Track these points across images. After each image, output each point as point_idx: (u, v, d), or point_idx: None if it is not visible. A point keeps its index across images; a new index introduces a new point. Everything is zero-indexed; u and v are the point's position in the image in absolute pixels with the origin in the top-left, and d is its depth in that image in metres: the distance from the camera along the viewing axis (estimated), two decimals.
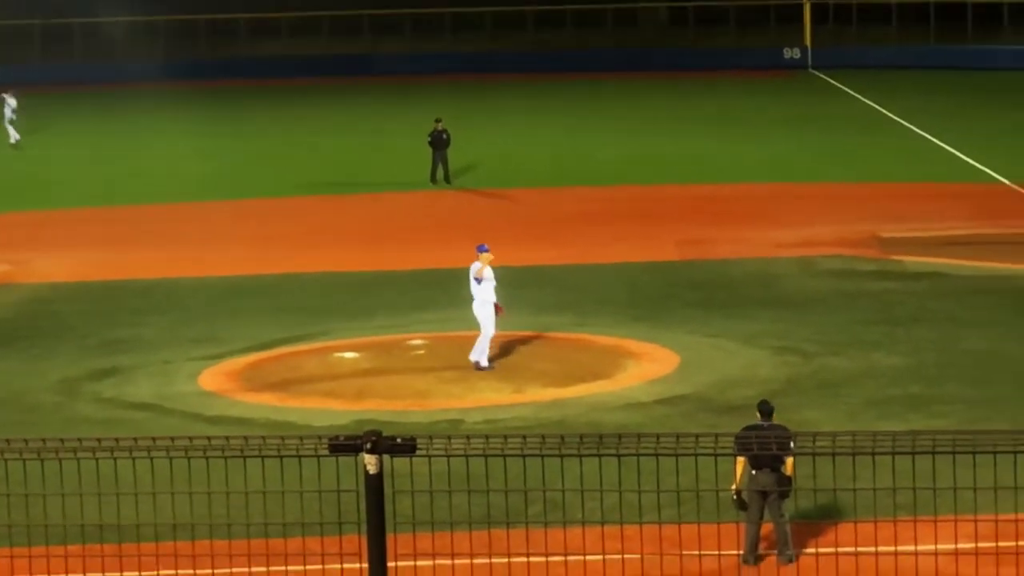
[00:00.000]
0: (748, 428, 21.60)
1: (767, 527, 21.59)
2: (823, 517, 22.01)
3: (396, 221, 50.16)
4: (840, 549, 20.51)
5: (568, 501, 17.39)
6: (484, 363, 32.19)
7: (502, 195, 55.23)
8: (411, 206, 52.65)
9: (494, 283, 32.11)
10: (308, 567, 15.47)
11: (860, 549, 17.97)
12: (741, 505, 21.31)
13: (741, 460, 21.12)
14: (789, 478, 21.23)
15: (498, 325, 32.62)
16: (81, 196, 56.93)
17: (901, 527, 17.11)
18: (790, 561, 21.27)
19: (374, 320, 36.70)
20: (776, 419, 22.09)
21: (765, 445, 20.97)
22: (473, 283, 32.08)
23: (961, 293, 38.30)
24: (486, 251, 32.41)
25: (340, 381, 32.33)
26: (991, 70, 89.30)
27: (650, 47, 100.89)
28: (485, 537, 17.95)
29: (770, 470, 21.13)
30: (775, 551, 21.55)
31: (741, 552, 21.37)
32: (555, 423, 28.08)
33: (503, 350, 33.91)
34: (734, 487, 21.21)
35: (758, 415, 22.04)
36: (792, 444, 20.53)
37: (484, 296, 32.00)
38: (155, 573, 15.70)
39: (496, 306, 32.09)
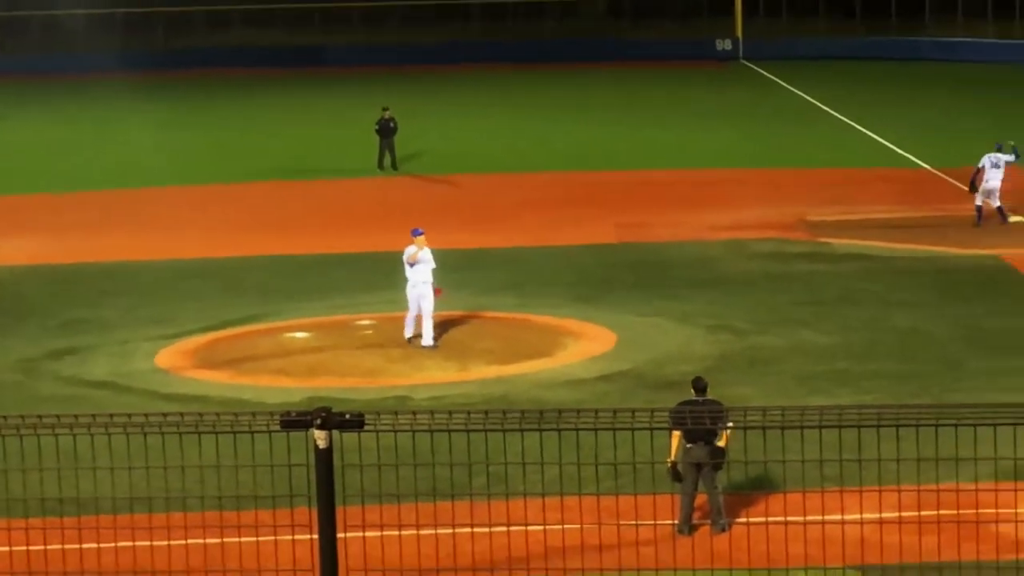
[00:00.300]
0: (683, 403, 21.66)
1: (701, 498, 21.66)
2: (754, 488, 22.11)
3: (344, 206, 50.12)
4: (770, 519, 20.59)
5: (511, 474, 17.41)
6: (430, 343, 32.30)
7: (447, 181, 55.23)
8: (359, 192, 52.67)
9: (432, 265, 32.24)
10: (260, 538, 15.45)
11: (790, 518, 18.04)
12: (676, 477, 21.37)
13: (677, 434, 21.18)
14: (722, 451, 21.30)
15: (439, 306, 32.80)
16: (42, 183, 56.70)
17: (828, 497, 17.18)
18: (723, 530, 21.34)
19: (324, 301, 36.66)
20: (710, 394, 22.17)
21: (699, 420, 21.05)
22: (407, 266, 32.23)
23: (886, 274, 38.48)
24: (420, 235, 32.63)
25: (292, 359, 32.33)
26: (915, 60, 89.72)
27: (589, 38, 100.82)
28: (431, 509, 17.96)
29: (704, 443, 21.19)
30: (709, 521, 21.62)
31: (676, 522, 21.45)
32: (498, 399, 28.12)
33: (448, 330, 33.96)
34: (670, 460, 21.27)
35: (692, 391, 22.11)
36: (726, 419, 20.62)
37: (416, 278, 32.14)
38: (113, 544, 15.64)
39: (435, 289, 32.21)
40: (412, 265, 32.14)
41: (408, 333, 32.58)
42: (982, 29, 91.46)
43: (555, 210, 48.74)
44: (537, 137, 65.62)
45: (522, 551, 19.55)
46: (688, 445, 21.26)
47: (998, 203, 43.59)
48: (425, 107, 71.85)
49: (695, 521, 21.55)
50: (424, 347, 32.17)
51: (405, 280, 32.43)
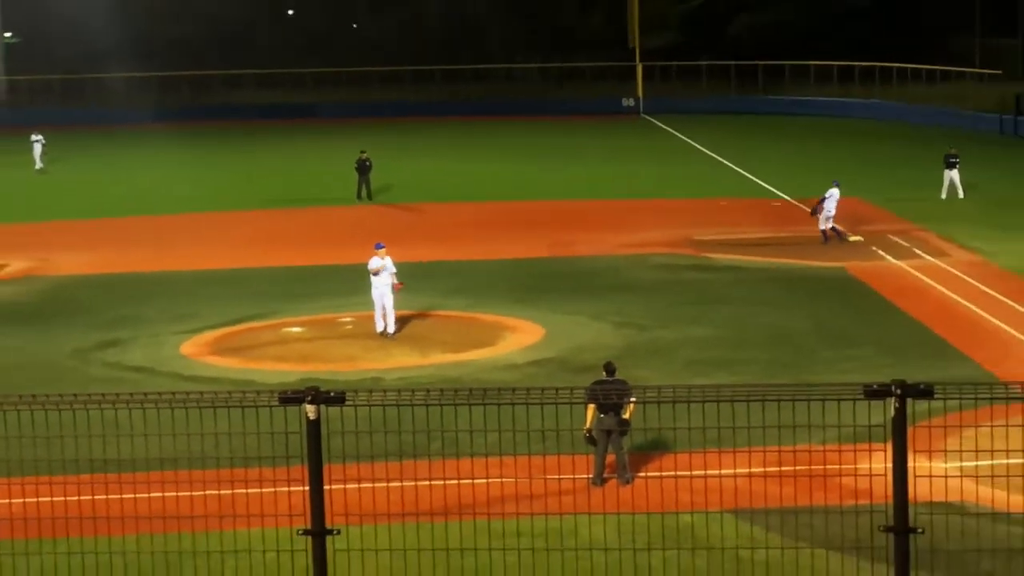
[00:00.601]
0: (596, 382, 21.66)
1: (610, 458, 21.64)
2: (652, 450, 22.08)
3: (331, 228, 49.95)
4: (664, 473, 20.61)
5: (461, 439, 17.31)
6: (391, 328, 32.55)
7: (412, 208, 55.14)
8: (342, 217, 52.48)
9: (393, 271, 32.51)
10: (263, 490, 15.39)
11: (679, 473, 18.03)
12: (591, 441, 21.35)
13: (591, 407, 21.16)
14: (627, 420, 21.28)
15: (405, 304, 32.98)
16: (92, 210, 56.41)
17: (710, 457, 17.19)
18: (627, 483, 21.33)
19: (313, 302, 36.57)
20: (618, 375, 22.14)
21: (608, 395, 21.02)
22: (371, 274, 32.55)
23: (755, 281, 38.58)
24: (382, 248, 33.11)
25: (288, 348, 32.30)
26: (776, 114, 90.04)
27: (527, 97, 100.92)
28: (398, 467, 17.90)
29: (613, 414, 21.18)
30: (616, 475, 21.60)
31: (591, 476, 21.41)
32: (452, 380, 28.06)
33: (412, 324, 33.92)
34: (585, 428, 21.24)
35: (604, 373, 22.07)
36: (630, 395, 20.61)
37: (379, 283, 32.41)
38: (147, 495, 15.54)
39: (396, 284, 32.48)
40: (376, 274, 32.40)
41: (379, 328, 32.64)
42: (828, 90, 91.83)
43: (499, 231, 48.75)
44: (485, 174, 65.61)
45: (470, 499, 19.50)
46: (601, 415, 21.24)
47: (834, 225, 43.92)
48: (395, 150, 71.68)
49: (605, 476, 21.53)
50: (388, 336, 32.35)
51: (371, 285, 32.67)
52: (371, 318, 32.93)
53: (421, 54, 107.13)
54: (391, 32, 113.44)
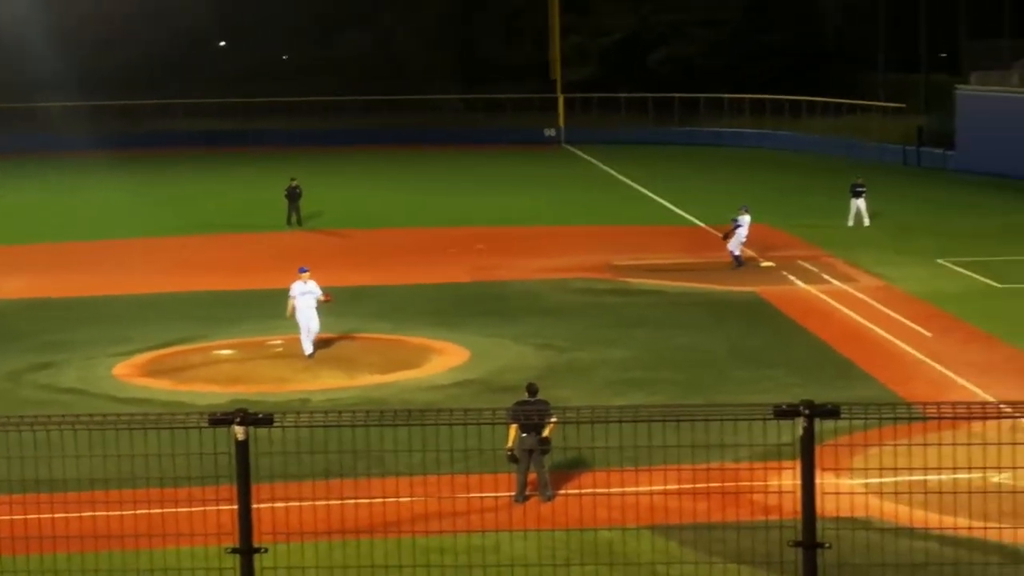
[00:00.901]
0: (519, 403, 21.66)
1: (532, 475, 21.63)
2: (572, 468, 22.11)
3: (260, 253, 49.65)
4: (583, 491, 20.62)
5: (387, 459, 17.27)
6: (310, 349, 32.56)
7: (339, 234, 55.00)
8: (271, 243, 52.21)
9: (317, 293, 32.54)
10: (193, 509, 15.23)
11: (598, 491, 18.09)
12: (512, 459, 21.33)
13: (513, 427, 21.14)
14: (548, 439, 21.29)
15: (328, 327, 32.94)
16: (26, 236, 55.68)
17: (627, 475, 17.22)
18: (549, 500, 21.33)
19: (243, 326, 36.36)
20: (539, 396, 22.15)
21: (530, 415, 21.04)
22: (295, 296, 32.57)
23: (671, 305, 38.75)
24: (306, 271, 33.19)
25: (219, 370, 32.13)
26: (692, 145, 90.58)
27: (452, 127, 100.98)
28: (325, 486, 17.84)
29: (535, 433, 21.17)
30: (537, 493, 21.58)
31: (513, 494, 21.38)
32: (379, 400, 28.01)
33: (339, 347, 33.83)
34: (507, 446, 21.22)
35: (526, 393, 22.07)
36: (550, 415, 20.61)
37: (303, 305, 32.41)
38: (78, 515, 15.39)
39: (324, 297, 32.61)
40: (300, 296, 32.41)
41: (308, 350, 32.53)
42: (741, 122, 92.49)
43: (423, 256, 48.68)
44: (411, 201, 65.47)
45: (395, 517, 19.43)
46: (523, 435, 21.23)
47: (736, 253, 44.20)
48: (324, 178, 71.41)
49: (527, 493, 21.51)
50: (309, 356, 32.39)
51: (296, 308, 32.66)
52: (299, 341, 32.92)
53: (349, 85, 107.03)
54: (320, 64, 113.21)
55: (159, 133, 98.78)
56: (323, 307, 33.06)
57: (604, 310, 38.11)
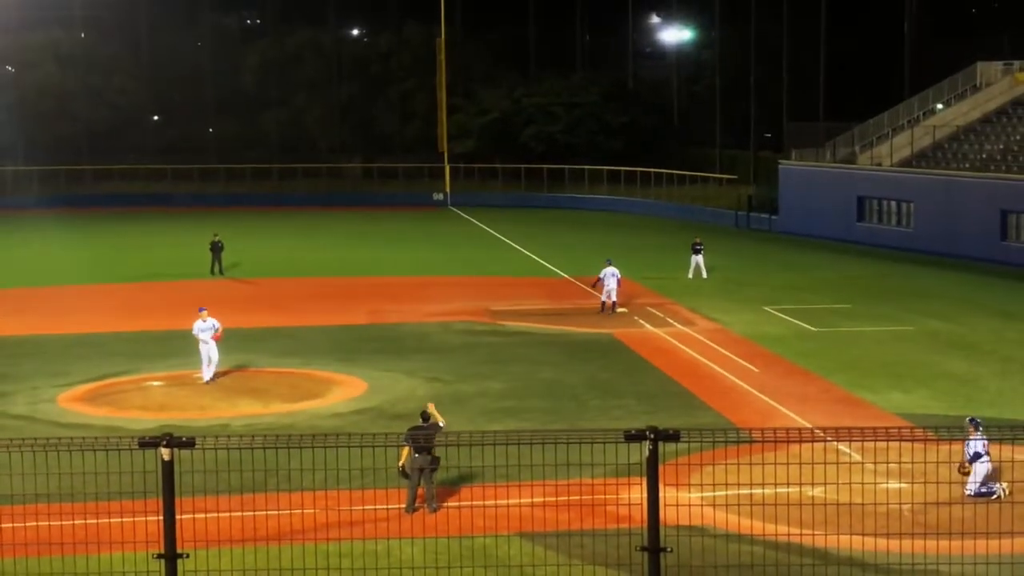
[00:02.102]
0: (413, 428, 21.58)
1: (421, 491, 21.54)
2: (455, 484, 22.04)
3: (186, 299, 48.92)
4: (462, 503, 20.59)
5: (293, 477, 17.10)
6: (208, 377, 32.77)
7: (255, 283, 54.51)
8: (196, 290, 51.50)
9: (215, 328, 32.82)
10: (124, 520, 14.99)
11: (475, 503, 18.06)
12: (404, 475, 21.23)
13: (406, 447, 21.07)
14: (438, 458, 21.23)
15: (245, 362, 32.68)
16: None
17: (500, 489, 17.23)
18: (435, 511, 21.25)
19: (171, 360, 35.85)
20: (430, 422, 22.08)
21: (419, 439, 20.96)
22: (197, 332, 32.87)
23: (539, 344, 38.87)
24: (204, 311, 33.56)
25: (150, 399, 31.58)
26: (558, 208, 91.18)
27: (351, 191, 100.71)
28: (239, 501, 17.62)
29: (426, 453, 21.11)
30: (425, 505, 21.50)
31: (403, 506, 21.28)
32: (288, 426, 27.72)
33: (254, 379, 33.50)
34: (400, 463, 21.13)
35: (420, 419, 21.99)
36: (437, 438, 20.55)
37: (203, 339, 32.65)
38: (23, 524, 15.06)
39: (216, 334, 32.75)
40: (202, 332, 32.70)
41: (206, 377, 32.81)
42: (599, 189, 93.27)
43: (326, 302, 48.39)
44: (317, 255, 65.16)
45: (300, 526, 19.22)
46: (415, 455, 21.16)
47: (614, 299, 44.49)
48: (244, 235, 70.82)
49: (416, 505, 21.42)
50: (207, 383, 32.54)
51: (197, 342, 32.94)
52: (221, 373, 32.61)
53: (267, 155, 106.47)
54: (238, 135, 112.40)
55: (98, 195, 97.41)
56: (236, 343, 32.72)
57: (483, 348, 38.13)
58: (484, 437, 9.81)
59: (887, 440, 10.01)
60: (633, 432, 8.74)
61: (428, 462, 21.20)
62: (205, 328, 32.85)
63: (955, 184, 62.64)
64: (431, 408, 22.41)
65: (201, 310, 33.45)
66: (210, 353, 32.70)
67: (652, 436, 8.65)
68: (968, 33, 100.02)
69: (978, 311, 44.74)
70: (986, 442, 21.90)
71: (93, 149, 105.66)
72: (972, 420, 22.39)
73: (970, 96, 71.30)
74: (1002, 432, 22.83)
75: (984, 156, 65.29)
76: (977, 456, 21.79)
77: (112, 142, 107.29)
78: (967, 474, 21.82)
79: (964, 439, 22.18)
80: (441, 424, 21.94)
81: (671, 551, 9.13)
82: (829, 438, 20.43)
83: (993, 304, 46.52)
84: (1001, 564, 17.74)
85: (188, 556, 9.25)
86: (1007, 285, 51.80)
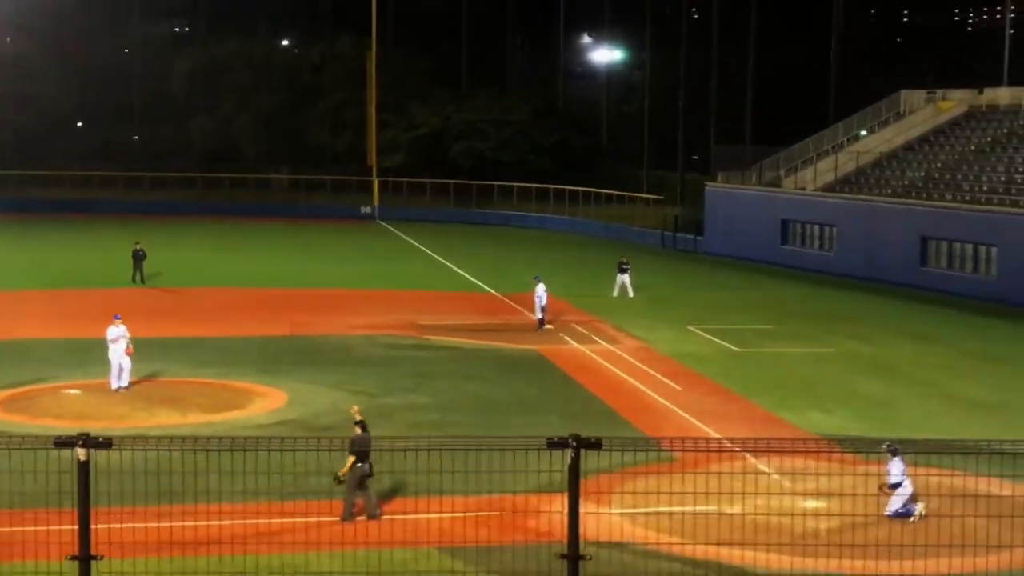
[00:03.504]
0: (356, 437, 21.28)
1: (359, 501, 21.26)
2: (377, 495, 21.86)
3: (107, 306, 48.22)
4: (396, 516, 20.47)
5: (212, 486, 16.87)
6: (125, 384, 32.69)
7: (177, 292, 54.00)
8: (117, 297, 50.84)
9: (127, 337, 32.86)
10: (38, 529, 14.75)
11: (395, 516, 17.96)
12: (339, 482, 21.00)
13: (351, 457, 20.90)
14: (372, 466, 21.05)
15: (162, 372, 32.32)
16: None
17: (420, 502, 17.14)
18: (375, 517, 21.02)
19: (89, 368, 35.30)
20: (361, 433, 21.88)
21: (366, 446, 20.80)
22: (108, 340, 32.88)
23: (465, 359, 38.84)
24: (118, 318, 33.58)
25: (66, 408, 31.08)
26: (486, 225, 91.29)
27: (279, 203, 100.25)
28: (156, 511, 17.41)
29: (366, 462, 20.97)
30: (366, 514, 21.20)
31: (336, 518, 21.05)
32: (207, 437, 27.43)
33: (173, 388, 33.15)
34: (342, 472, 20.92)
35: (358, 429, 21.64)
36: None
37: (116, 347, 32.74)
38: None
39: (127, 349, 32.69)
40: (114, 341, 32.72)
41: (114, 385, 32.64)
42: (527, 207, 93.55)
43: (250, 312, 48.04)
44: (240, 265, 64.72)
45: (216, 537, 18.95)
46: (358, 464, 20.97)
47: (541, 316, 44.55)
48: (165, 243, 70.18)
49: (354, 513, 21.16)
50: (121, 389, 32.47)
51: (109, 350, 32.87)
52: (143, 383, 32.29)
53: (193, 163, 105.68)
54: (165, 143, 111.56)
55: (23, 199, 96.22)
56: (155, 352, 32.27)
57: (408, 362, 38.02)
58: (408, 442, 9.80)
59: (792, 452, 10.14)
60: (555, 439, 8.74)
61: (368, 470, 21.03)
62: (118, 335, 32.70)
63: (877, 209, 63.54)
64: (355, 411, 22.24)
65: (116, 317, 33.38)
66: (121, 360, 32.54)
67: (574, 444, 8.67)
68: (893, 61, 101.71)
69: (898, 335, 45.35)
70: (903, 467, 22.16)
71: (18, 154, 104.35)
72: (889, 446, 22.61)
73: (893, 123, 72.41)
74: (917, 455, 23.09)
75: (906, 183, 66.30)
76: (896, 485, 22.05)
77: (38, 148, 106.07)
78: (889, 493, 22.07)
79: (885, 462, 22.44)
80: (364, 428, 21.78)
81: (591, 559, 9.13)
82: (737, 449, 20.58)
83: (913, 328, 47.19)
84: None
85: (102, 558, 9.11)
86: (926, 310, 52.58)
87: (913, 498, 22.28)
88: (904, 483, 22.12)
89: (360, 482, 21.17)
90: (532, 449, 8.83)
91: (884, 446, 22.71)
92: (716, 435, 28.71)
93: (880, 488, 21.96)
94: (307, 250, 72.97)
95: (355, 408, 22.58)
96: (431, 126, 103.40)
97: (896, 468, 22.12)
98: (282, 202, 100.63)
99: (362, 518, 21.17)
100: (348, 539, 19.67)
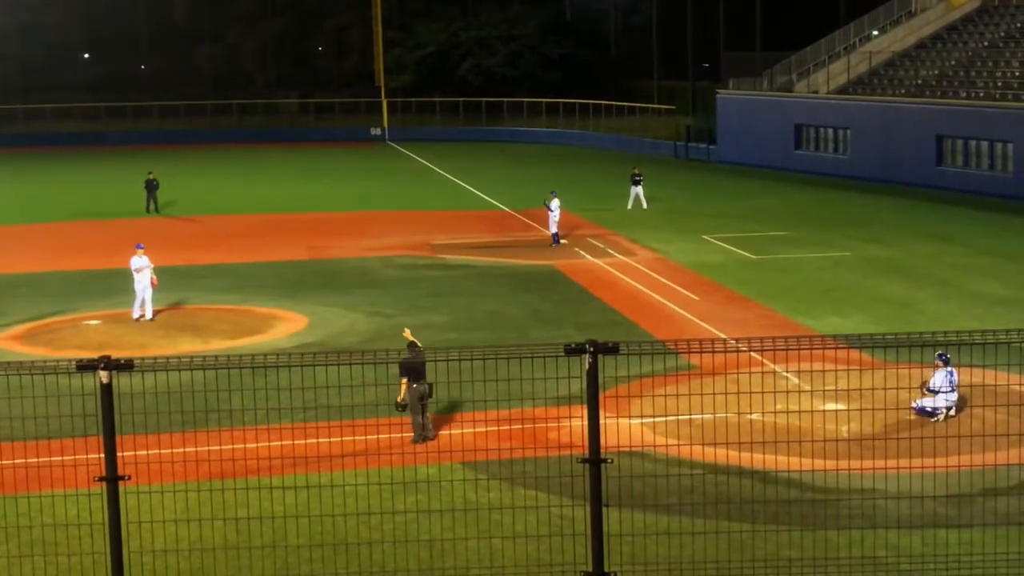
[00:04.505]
0: (405, 359, 21.06)
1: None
2: (399, 413, 21.93)
3: (122, 237, 48.39)
4: (404, 433, 20.67)
5: (234, 414, 17.03)
6: (149, 316, 32.73)
7: (193, 220, 54.10)
8: (132, 228, 51.01)
9: (151, 267, 32.80)
10: (64, 440, 14.92)
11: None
12: (402, 409, 20.95)
13: (404, 381, 20.84)
14: (431, 384, 20.96)
15: (185, 300, 32.38)
16: None
17: (442, 419, 17.18)
18: (422, 440, 21.07)
19: (109, 299, 35.55)
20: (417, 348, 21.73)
21: (418, 366, 20.71)
22: (133, 270, 32.73)
23: (481, 276, 38.94)
24: (141, 248, 33.38)
25: (87, 338, 31.31)
26: (496, 141, 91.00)
27: (287, 128, 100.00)
28: (181, 435, 17.61)
29: (423, 381, 20.94)
30: (413, 435, 21.29)
31: (412, 436, 21.14)
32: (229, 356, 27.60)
33: (194, 316, 33.34)
34: (399, 399, 20.91)
35: (407, 349, 21.49)
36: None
37: (140, 276, 32.63)
38: None
39: (152, 280, 32.64)
40: (138, 271, 32.62)
41: (136, 315, 32.77)
42: (538, 122, 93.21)
43: (266, 238, 48.16)
44: (254, 191, 64.72)
45: (242, 459, 19.11)
46: (413, 385, 20.91)
47: (555, 231, 44.61)
48: (178, 172, 70.24)
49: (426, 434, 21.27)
50: (144, 319, 32.57)
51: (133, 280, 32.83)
52: (161, 311, 32.46)
53: (201, 91, 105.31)
54: (172, 72, 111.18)
55: (31, 134, 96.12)
56: (174, 280, 32.37)
57: (424, 282, 38.12)
58: (436, 355, 9.87)
59: (797, 350, 10.16)
60: (573, 346, 8.82)
61: (427, 389, 21.03)
62: (142, 265, 32.69)
63: (891, 110, 63.11)
64: (407, 333, 22.17)
65: (139, 247, 33.25)
66: (144, 293, 32.63)
67: (591, 349, 8.74)
68: None
69: (915, 236, 45.26)
70: (954, 378, 21.94)
71: (25, 88, 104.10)
72: (941, 355, 22.29)
73: (905, 22, 71.66)
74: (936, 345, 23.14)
75: (919, 82, 65.76)
76: (934, 391, 21.92)
77: (43, 80, 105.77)
78: (926, 392, 21.92)
79: (934, 366, 22.16)
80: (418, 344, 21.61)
81: (612, 462, 9.23)
82: (743, 348, 20.60)
83: (930, 228, 47.08)
84: (936, 480, 18.11)
85: (129, 478, 9.25)
86: (943, 210, 52.40)
87: (951, 408, 22.12)
88: (951, 394, 21.93)
89: (418, 402, 21.13)
90: (550, 356, 8.91)
91: (936, 355, 22.33)
92: (733, 342, 28.82)
93: (923, 386, 21.78)
94: (319, 174, 72.91)
95: (407, 331, 22.37)
96: (438, 44, 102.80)
97: (940, 378, 21.90)
98: (292, 127, 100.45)
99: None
100: (373, 457, 19.89)
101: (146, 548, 14.66)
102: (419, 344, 21.77)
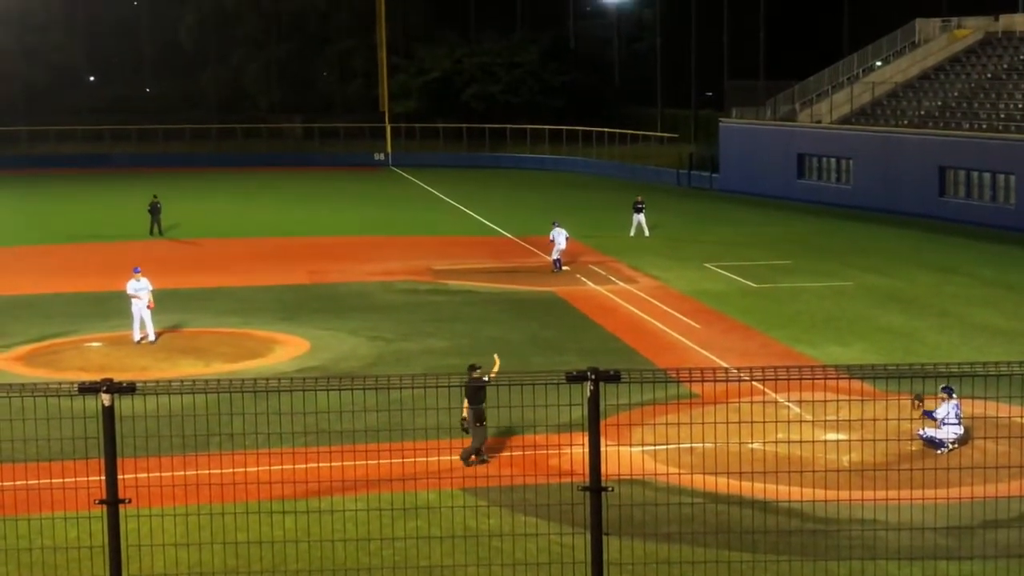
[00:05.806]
0: (470, 381, 21.09)
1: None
2: (399, 438, 21.90)
3: (125, 259, 48.49)
4: (405, 459, 20.64)
5: (235, 438, 17.05)
6: (152, 339, 32.89)
7: (195, 243, 54.15)
8: (135, 250, 51.07)
9: (150, 289, 33.08)
10: (64, 462, 14.91)
11: (417, 459, 18.10)
12: (466, 430, 20.97)
13: (466, 400, 20.83)
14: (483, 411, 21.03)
15: (185, 323, 32.55)
16: None
17: (444, 443, 17.08)
18: (467, 459, 21.09)
19: (110, 321, 35.57)
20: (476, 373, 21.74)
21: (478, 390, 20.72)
22: (130, 292, 33.00)
23: (482, 303, 38.93)
24: (139, 271, 33.68)
25: (89, 360, 31.31)
26: (500, 168, 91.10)
27: (293, 152, 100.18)
28: (182, 458, 17.60)
29: (479, 404, 20.90)
30: (462, 452, 21.30)
31: (470, 455, 21.11)
32: (230, 386, 27.58)
33: (197, 339, 33.33)
34: (464, 416, 20.90)
35: (471, 373, 21.57)
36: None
37: (137, 301, 32.85)
38: None
39: (149, 304, 32.85)
40: (135, 294, 32.89)
41: (136, 338, 32.88)
42: (541, 149, 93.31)
43: (267, 262, 48.17)
44: (256, 215, 64.77)
45: (242, 483, 19.13)
46: (472, 406, 20.86)
47: (557, 257, 44.69)
48: (181, 196, 70.32)
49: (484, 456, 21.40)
50: (145, 342, 32.71)
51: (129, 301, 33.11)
52: (163, 334, 32.43)
53: (206, 115, 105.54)
54: (177, 95, 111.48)
55: (35, 156, 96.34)
56: (176, 303, 32.36)
57: (426, 307, 38.14)
58: (428, 380, 9.88)
59: (799, 379, 10.18)
60: (574, 373, 8.82)
61: (483, 412, 21.14)
62: (140, 288, 32.86)
63: (894, 140, 63.23)
64: (495, 366, 22.37)
65: (136, 270, 33.49)
66: (143, 315, 32.74)
67: (593, 377, 8.75)
68: None
69: (917, 266, 45.29)
70: (959, 411, 21.88)
71: (29, 110, 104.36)
72: (945, 388, 22.20)
73: (908, 53, 71.87)
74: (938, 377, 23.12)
75: (922, 112, 65.92)
76: (935, 417, 21.85)
77: (48, 102, 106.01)
78: (918, 407, 21.80)
79: (937, 398, 22.07)
80: (486, 379, 21.55)
81: (612, 490, 9.23)
82: (744, 377, 20.62)
83: (931, 259, 47.11)
84: (936, 511, 18.07)
85: (130, 502, 9.25)
86: (945, 240, 52.45)
87: (960, 440, 22.04)
88: (956, 427, 21.86)
89: (475, 421, 21.08)
90: (552, 383, 8.92)
91: (940, 389, 22.22)
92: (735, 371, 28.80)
93: (914, 401, 21.57)
94: (322, 198, 72.99)
95: (496, 363, 22.61)
96: (442, 70, 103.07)
97: (942, 411, 21.84)
98: (296, 151, 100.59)
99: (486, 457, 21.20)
100: (373, 482, 19.86)
101: (146, 572, 14.65)
102: (476, 368, 21.66)
